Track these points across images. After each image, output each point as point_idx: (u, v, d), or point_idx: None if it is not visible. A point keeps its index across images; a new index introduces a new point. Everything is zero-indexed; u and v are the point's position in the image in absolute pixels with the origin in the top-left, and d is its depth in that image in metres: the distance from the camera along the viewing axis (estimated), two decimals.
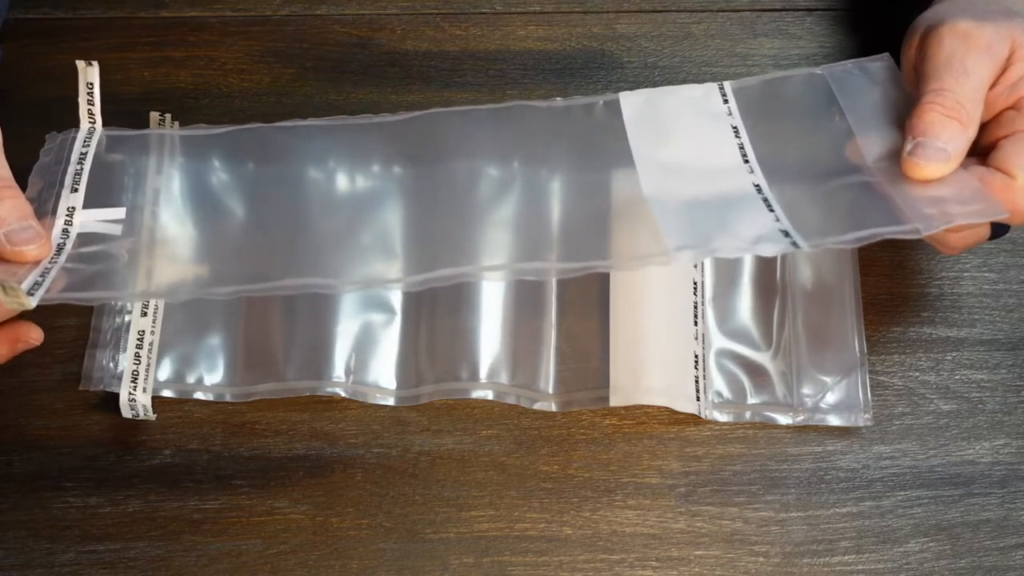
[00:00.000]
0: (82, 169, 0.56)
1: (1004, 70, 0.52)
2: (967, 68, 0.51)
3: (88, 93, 0.58)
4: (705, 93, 0.58)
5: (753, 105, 0.57)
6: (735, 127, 0.56)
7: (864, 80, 0.57)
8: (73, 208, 0.55)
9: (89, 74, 0.57)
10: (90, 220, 0.55)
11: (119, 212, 0.55)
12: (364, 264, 0.55)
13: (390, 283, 0.56)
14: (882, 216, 0.51)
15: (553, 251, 0.55)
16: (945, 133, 0.51)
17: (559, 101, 0.59)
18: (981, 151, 0.53)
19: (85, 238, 0.54)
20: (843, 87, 0.57)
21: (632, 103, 0.58)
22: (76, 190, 0.55)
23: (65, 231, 0.54)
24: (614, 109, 0.58)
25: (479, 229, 0.56)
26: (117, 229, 0.55)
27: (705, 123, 0.57)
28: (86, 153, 0.57)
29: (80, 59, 0.57)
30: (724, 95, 0.58)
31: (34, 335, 0.54)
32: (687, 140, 0.57)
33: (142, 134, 0.59)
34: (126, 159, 0.58)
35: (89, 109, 0.58)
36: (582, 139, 0.58)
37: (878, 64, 0.57)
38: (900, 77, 0.56)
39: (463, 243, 0.55)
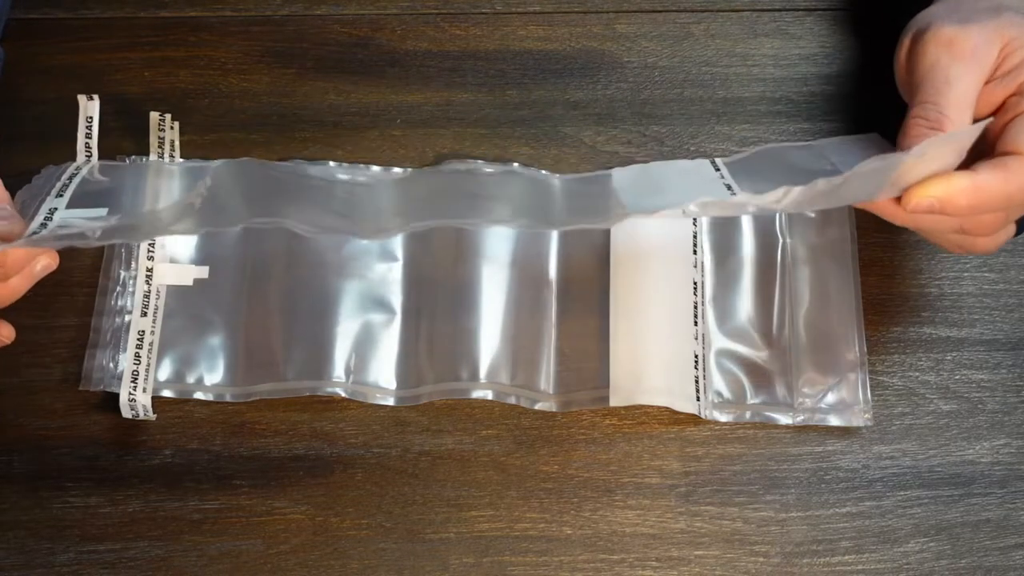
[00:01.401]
0: (70, 182, 0.56)
1: (998, 65, 0.52)
2: (949, 77, 0.51)
3: (87, 127, 0.57)
4: (696, 166, 0.58)
5: (744, 166, 0.58)
6: (728, 185, 0.56)
7: (856, 144, 0.57)
8: (55, 208, 0.53)
9: (89, 108, 0.57)
10: (71, 217, 0.53)
11: (100, 211, 0.54)
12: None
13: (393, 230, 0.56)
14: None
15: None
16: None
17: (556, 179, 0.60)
18: (991, 143, 0.52)
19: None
20: (835, 148, 0.57)
21: (623, 175, 0.59)
22: (61, 195, 0.54)
23: (44, 224, 0.52)
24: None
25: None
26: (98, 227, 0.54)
27: (695, 179, 0.57)
28: (77, 173, 0.57)
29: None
30: (716, 166, 0.58)
31: (4, 332, 0.54)
32: (674, 188, 0.57)
33: (137, 166, 0.59)
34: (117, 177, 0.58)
35: (87, 143, 0.58)
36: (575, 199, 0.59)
37: (869, 135, 0.58)
38: (888, 145, 0.56)
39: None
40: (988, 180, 0.49)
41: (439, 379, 0.59)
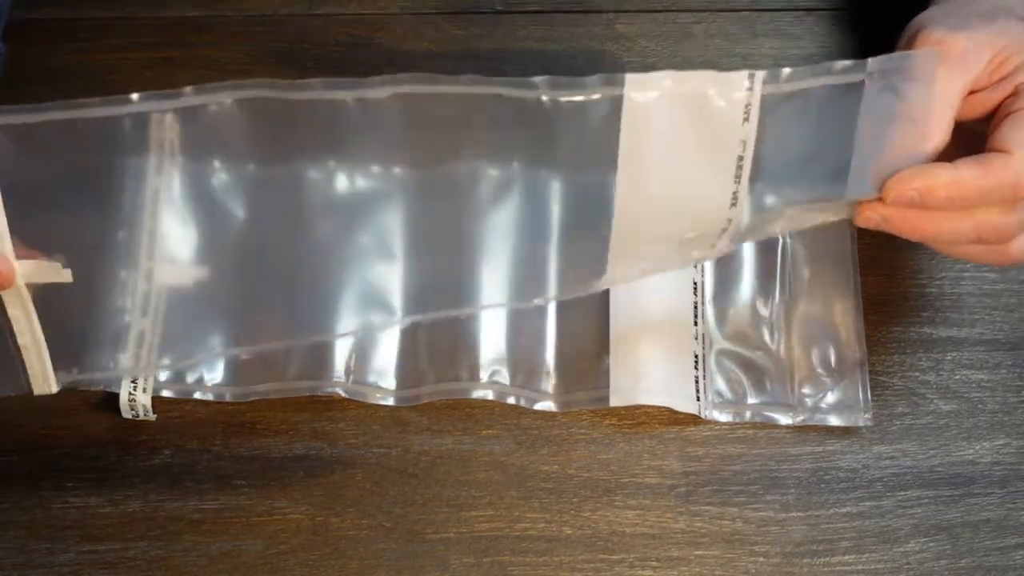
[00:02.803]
0: None
1: (992, 71, 0.52)
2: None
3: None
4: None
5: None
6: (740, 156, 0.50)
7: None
8: None
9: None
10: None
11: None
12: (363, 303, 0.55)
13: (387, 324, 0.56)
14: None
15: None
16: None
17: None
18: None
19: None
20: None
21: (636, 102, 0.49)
22: None
23: None
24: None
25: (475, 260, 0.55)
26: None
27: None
28: None
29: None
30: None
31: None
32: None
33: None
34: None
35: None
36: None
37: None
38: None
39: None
40: (966, 175, 0.50)
41: (439, 379, 0.59)
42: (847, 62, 0.49)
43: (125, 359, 0.58)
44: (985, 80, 0.53)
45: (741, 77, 0.47)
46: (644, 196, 0.51)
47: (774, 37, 0.68)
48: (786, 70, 0.48)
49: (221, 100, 0.54)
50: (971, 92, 0.53)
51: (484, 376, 0.59)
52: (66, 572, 0.55)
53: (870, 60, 0.49)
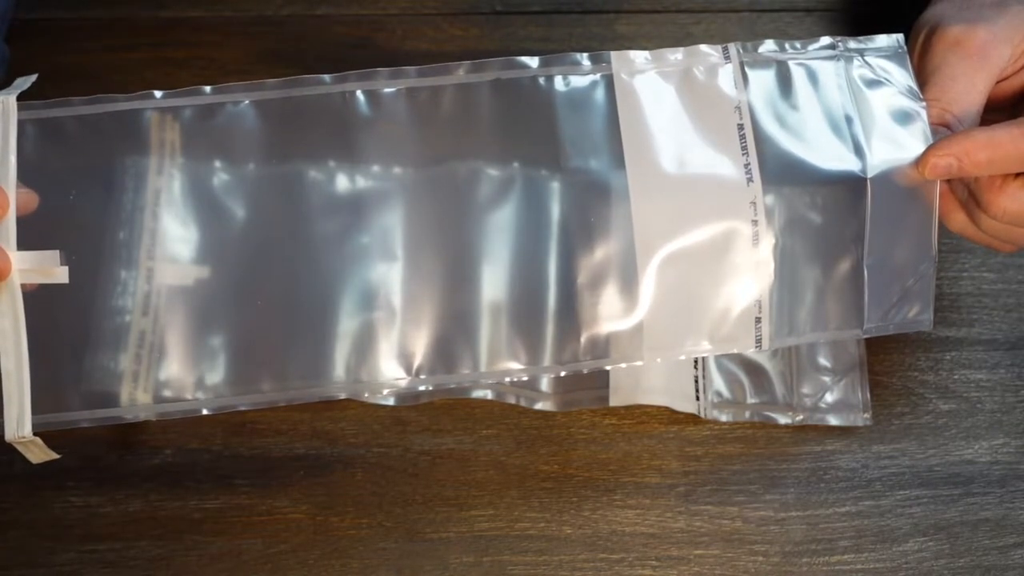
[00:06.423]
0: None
1: (1015, 59, 0.52)
2: (955, 75, 0.52)
3: None
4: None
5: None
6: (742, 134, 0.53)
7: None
8: None
9: None
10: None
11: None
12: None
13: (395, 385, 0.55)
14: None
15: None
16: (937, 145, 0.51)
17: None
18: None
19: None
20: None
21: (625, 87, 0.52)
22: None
23: None
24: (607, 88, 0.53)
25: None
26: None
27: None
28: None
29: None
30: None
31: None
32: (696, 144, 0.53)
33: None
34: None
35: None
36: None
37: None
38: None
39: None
40: (1003, 136, 0.50)
41: (439, 378, 0.59)
42: (821, 38, 0.54)
43: (125, 359, 0.58)
44: (1010, 70, 0.53)
45: (715, 48, 0.52)
46: (655, 175, 0.51)
47: (773, 38, 0.68)
48: (765, 41, 0.53)
49: (240, 99, 0.55)
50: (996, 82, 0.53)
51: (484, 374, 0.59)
52: (67, 571, 0.55)
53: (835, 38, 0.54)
